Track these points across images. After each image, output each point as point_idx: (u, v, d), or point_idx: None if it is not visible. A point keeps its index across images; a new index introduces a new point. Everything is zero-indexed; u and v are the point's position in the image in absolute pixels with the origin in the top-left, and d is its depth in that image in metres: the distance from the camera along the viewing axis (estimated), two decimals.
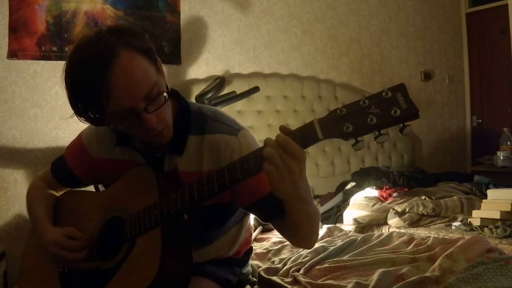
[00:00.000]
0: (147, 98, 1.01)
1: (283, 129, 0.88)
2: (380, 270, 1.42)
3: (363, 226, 2.56)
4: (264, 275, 1.53)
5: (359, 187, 2.87)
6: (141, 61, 1.01)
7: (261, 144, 0.95)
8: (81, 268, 1.15)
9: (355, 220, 2.56)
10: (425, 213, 2.45)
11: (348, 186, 2.95)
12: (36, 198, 1.32)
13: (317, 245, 1.78)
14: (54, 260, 1.18)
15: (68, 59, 1.03)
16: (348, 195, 2.78)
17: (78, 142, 1.31)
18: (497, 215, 2.23)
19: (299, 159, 0.85)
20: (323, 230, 2.17)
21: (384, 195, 2.66)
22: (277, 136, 0.87)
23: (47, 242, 1.17)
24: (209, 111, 1.19)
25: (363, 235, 1.91)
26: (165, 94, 1.04)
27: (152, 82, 1.02)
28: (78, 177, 1.32)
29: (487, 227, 2.21)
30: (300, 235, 1.09)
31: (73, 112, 1.05)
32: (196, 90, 2.85)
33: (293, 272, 1.55)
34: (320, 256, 1.66)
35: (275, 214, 1.10)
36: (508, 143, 3.76)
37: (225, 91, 2.90)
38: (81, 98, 1.00)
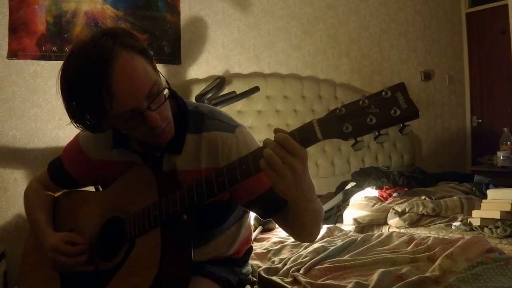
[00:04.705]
0: (149, 97, 1.01)
1: (278, 130, 0.87)
2: (380, 270, 1.42)
3: (363, 226, 2.56)
4: (264, 275, 1.53)
5: (359, 187, 2.87)
6: (140, 61, 1.01)
7: (260, 144, 0.94)
8: (79, 271, 1.15)
9: (355, 220, 2.56)
10: (425, 213, 2.45)
11: (348, 186, 2.95)
12: (34, 201, 1.32)
13: (317, 245, 1.78)
14: (53, 265, 1.18)
15: (63, 66, 1.01)
16: (348, 195, 2.78)
17: (75, 144, 1.30)
18: (497, 215, 2.23)
19: (300, 156, 0.84)
20: (323, 230, 2.17)
21: (384, 195, 2.66)
22: (275, 135, 0.86)
23: (46, 247, 1.18)
24: (206, 109, 1.19)
25: (363, 235, 1.90)
26: (165, 92, 1.04)
27: (152, 81, 1.02)
28: (76, 178, 1.32)
29: (487, 227, 2.21)
30: (305, 232, 1.09)
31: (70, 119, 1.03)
32: (196, 90, 2.85)
33: (293, 272, 1.55)
34: (320, 256, 1.66)
35: (275, 210, 1.10)
36: (508, 143, 3.76)
37: (225, 91, 2.90)
38: (82, 103, 0.99)
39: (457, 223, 2.37)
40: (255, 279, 1.52)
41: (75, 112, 1.01)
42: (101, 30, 1.03)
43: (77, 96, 0.99)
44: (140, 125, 1.02)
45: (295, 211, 0.98)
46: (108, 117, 1.00)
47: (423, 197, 2.58)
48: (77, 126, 1.04)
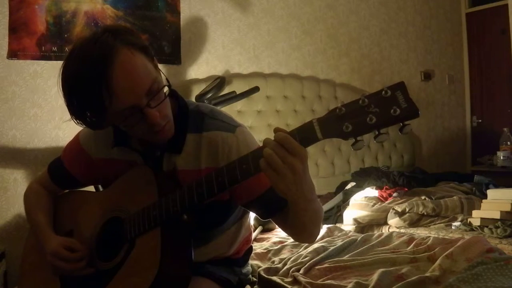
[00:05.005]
0: (148, 94, 1.01)
1: (278, 130, 0.86)
2: (380, 270, 1.42)
3: (363, 226, 2.56)
4: (264, 275, 1.53)
5: (359, 187, 2.87)
6: (141, 58, 1.01)
7: (260, 144, 0.94)
8: (79, 275, 1.15)
9: (355, 220, 2.56)
10: (425, 213, 2.45)
11: (348, 186, 2.95)
12: (34, 203, 1.32)
13: (317, 245, 1.78)
14: (53, 269, 1.18)
15: (64, 63, 1.02)
16: (348, 195, 2.78)
17: (76, 143, 1.30)
18: (497, 215, 2.23)
19: (300, 156, 0.84)
20: (323, 230, 2.17)
21: (384, 195, 2.66)
22: (275, 135, 0.86)
23: (46, 251, 1.18)
24: (207, 109, 1.19)
25: (363, 235, 1.90)
26: (165, 89, 1.05)
27: (152, 78, 1.02)
28: (76, 178, 1.32)
29: (487, 227, 2.20)
30: (305, 232, 1.08)
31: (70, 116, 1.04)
32: (196, 90, 2.85)
33: (293, 272, 1.55)
34: (320, 256, 1.66)
35: (275, 210, 1.10)
36: (508, 143, 3.76)
37: (225, 91, 2.90)
38: (82, 100, 0.99)
39: (457, 223, 2.37)
40: (255, 279, 1.52)
41: (75, 110, 1.02)
42: (103, 27, 1.03)
43: (77, 94, 0.99)
44: (139, 122, 1.03)
45: (295, 211, 0.98)
46: (108, 114, 1.00)
47: (423, 197, 2.58)
48: (78, 122, 1.05)
